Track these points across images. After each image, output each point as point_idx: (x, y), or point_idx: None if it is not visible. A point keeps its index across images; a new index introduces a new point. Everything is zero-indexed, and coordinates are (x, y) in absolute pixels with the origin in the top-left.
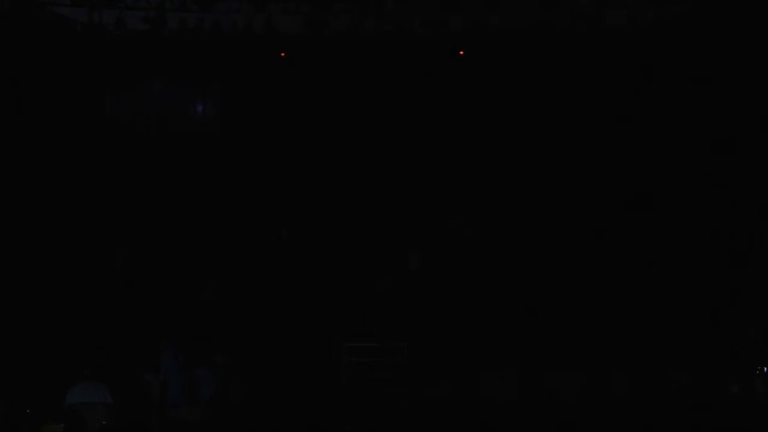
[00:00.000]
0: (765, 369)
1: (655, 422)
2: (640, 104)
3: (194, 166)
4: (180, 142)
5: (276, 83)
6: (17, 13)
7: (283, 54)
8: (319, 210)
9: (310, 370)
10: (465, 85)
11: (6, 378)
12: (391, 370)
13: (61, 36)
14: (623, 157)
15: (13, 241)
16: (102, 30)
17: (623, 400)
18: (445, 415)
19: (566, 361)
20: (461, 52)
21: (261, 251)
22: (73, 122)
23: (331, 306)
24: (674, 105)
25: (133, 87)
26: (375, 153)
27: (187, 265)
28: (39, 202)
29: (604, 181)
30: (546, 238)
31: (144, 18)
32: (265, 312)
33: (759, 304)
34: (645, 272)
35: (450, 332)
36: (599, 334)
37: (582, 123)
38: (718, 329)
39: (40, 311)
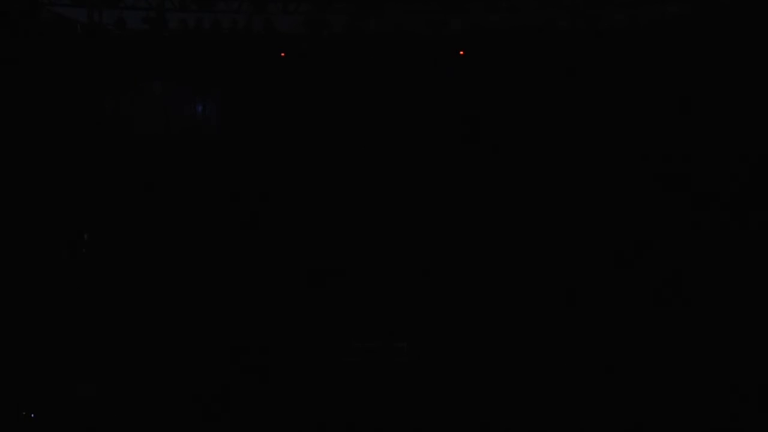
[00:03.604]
0: None
1: None
2: (640, 104)
3: (194, 166)
4: (180, 142)
5: (276, 83)
6: (17, 13)
7: (283, 54)
8: (317, 209)
9: (311, 370)
10: (465, 85)
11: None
12: (391, 370)
13: (61, 36)
14: (622, 156)
15: (13, 242)
16: (102, 30)
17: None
18: (445, 415)
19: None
20: (461, 52)
21: (260, 250)
22: (72, 122)
23: (332, 306)
24: (674, 105)
25: (133, 87)
26: (375, 152)
27: (186, 265)
28: (38, 202)
29: (605, 180)
30: (548, 238)
31: (144, 18)
32: (266, 312)
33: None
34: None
35: (450, 332)
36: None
37: (582, 123)
38: None
39: (40, 312)
